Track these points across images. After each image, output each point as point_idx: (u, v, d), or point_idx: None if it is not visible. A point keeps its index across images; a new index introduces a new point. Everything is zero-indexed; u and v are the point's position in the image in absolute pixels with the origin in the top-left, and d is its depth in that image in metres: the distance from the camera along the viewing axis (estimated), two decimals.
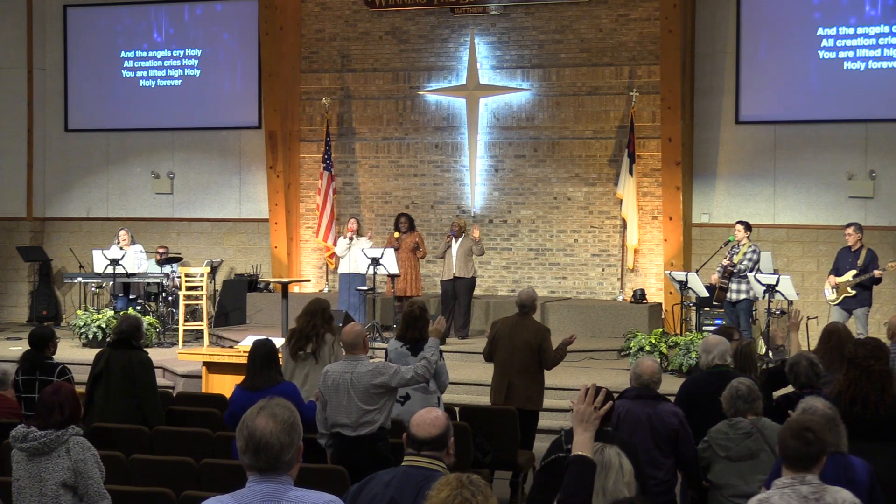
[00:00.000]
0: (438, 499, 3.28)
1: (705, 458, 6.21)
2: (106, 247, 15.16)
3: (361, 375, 6.93)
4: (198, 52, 17.56)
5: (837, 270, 12.75)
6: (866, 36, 14.70)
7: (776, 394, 7.16)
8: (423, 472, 4.20)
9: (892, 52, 14.61)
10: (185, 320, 14.93)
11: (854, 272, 12.56)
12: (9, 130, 18.03)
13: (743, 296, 12.58)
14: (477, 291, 14.79)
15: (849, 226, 12.77)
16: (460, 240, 14.16)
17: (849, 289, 12.55)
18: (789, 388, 6.84)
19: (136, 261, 15.10)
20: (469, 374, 11.71)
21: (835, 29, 14.81)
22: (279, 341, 10.51)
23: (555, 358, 9.15)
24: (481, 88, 16.14)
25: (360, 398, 6.90)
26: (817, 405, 5.09)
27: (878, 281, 12.67)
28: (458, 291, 14.16)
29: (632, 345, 13.04)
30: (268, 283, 16.23)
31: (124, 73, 17.90)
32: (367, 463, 6.55)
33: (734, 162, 15.25)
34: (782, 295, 12.27)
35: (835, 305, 12.72)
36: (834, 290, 12.69)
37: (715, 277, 12.80)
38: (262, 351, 7.41)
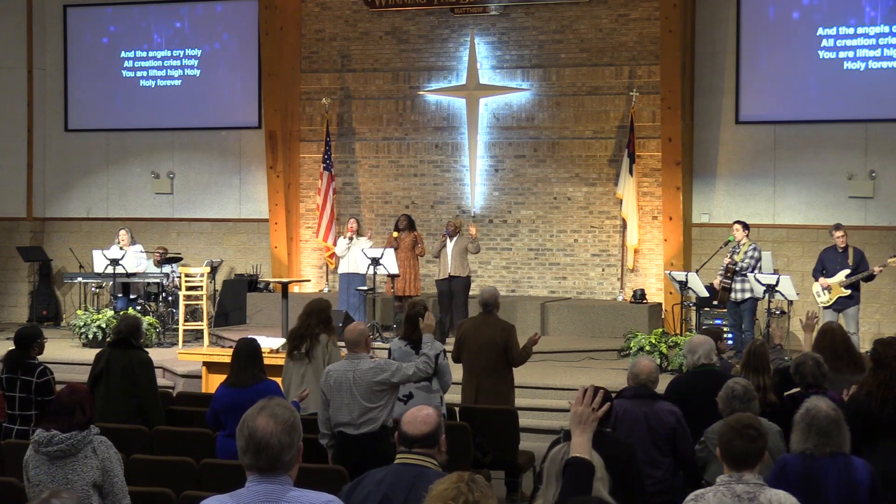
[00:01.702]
0: (437, 490, 3.32)
1: (702, 458, 6.22)
2: (106, 247, 15.16)
3: (364, 373, 6.99)
4: (198, 52, 17.56)
5: (826, 272, 12.72)
6: (866, 36, 14.70)
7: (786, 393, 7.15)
8: (415, 470, 4.24)
9: (892, 52, 14.61)
10: (185, 320, 14.93)
11: (847, 272, 12.56)
12: (9, 130, 18.03)
13: (748, 295, 12.56)
14: (472, 291, 14.79)
15: (838, 228, 12.75)
16: (455, 239, 14.17)
17: (843, 288, 12.55)
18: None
19: (136, 261, 15.10)
20: None
21: (835, 29, 14.81)
22: (279, 341, 10.56)
23: (521, 356, 9.13)
24: (481, 88, 16.15)
25: (362, 396, 6.95)
26: (821, 405, 5.08)
27: (873, 277, 12.68)
28: (455, 291, 14.16)
29: (632, 345, 13.04)
30: (268, 283, 16.24)
31: (124, 73, 17.91)
32: (370, 462, 6.56)
33: (734, 162, 15.25)
34: (782, 295, 12.28)
35: (826, 308, 12.66)
36: (826, 291, 12.66)
37: (717, 280, 12.80)
38: (246, 349, 7.46)
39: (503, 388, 9.13)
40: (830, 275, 12.65)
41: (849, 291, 12.56)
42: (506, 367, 9.15)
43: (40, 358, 8.23)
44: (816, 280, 12.80)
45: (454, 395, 10.02)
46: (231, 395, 7.21)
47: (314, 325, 8.21)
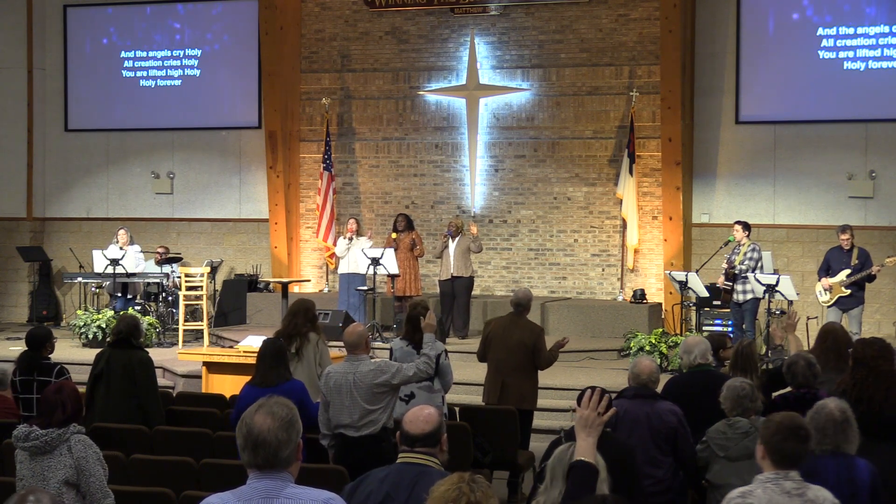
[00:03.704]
0: (438, 492, 3.33)
1: (703, 458, 6.22)
2: (106, 247, 15.17)
3: (364, 375, 6.98)
4: (198, 52, 17.56)
5: (831, 271, 12.75)
6: (866, 36, 14.70)
7: (774, 394, 7.15)
8: (416, 469, 4.26)
9: (892, 52, 14.61)
10: (185, 320, 14.93)
11: (848, 271, 12.58)
12: (9, 130, 18.04)
13: (749, 296, 12.56)
14: (475, 291, 14.79)
15: (845, 230, 12.75)
16: (457, 239, 14.17)
17: (843, 288, 12.56)
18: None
19: (135, 261, 15.10)
20: (469, 374, 11.70)
21: (835, 29, 14.81)
22: None
23: (548, 358, 9.16)
24: (481, 88, 16.14)
25: (363, 398, 6.95)
26: (830, 405, 5.08)
27: (873, 278, 12.69)
28: (457, 291, 14.16)
29: (632, 345, 13.04)
30: (268, 283, 16.24)
31: (124, 73, 17.91)
32: (370, 463, 6.56)
33: (734, 162, 15.25)
34: (782, 295, 12.29)
35: (829, 307, 12.68)
36: (827, 291, 12.68)
37: (720, 280, 12.82)
38: (272, 349, 7.46)
39: (528, 389, 9.14)
40: (835, 274, 12.70)
41: (849, 291, 12.57)
42: (532, 368, 9.16)
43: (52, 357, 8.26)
44: (820, 279, 12.84)
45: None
46: (256, 395, 7.13)
47: (301, 324, 8.20)
